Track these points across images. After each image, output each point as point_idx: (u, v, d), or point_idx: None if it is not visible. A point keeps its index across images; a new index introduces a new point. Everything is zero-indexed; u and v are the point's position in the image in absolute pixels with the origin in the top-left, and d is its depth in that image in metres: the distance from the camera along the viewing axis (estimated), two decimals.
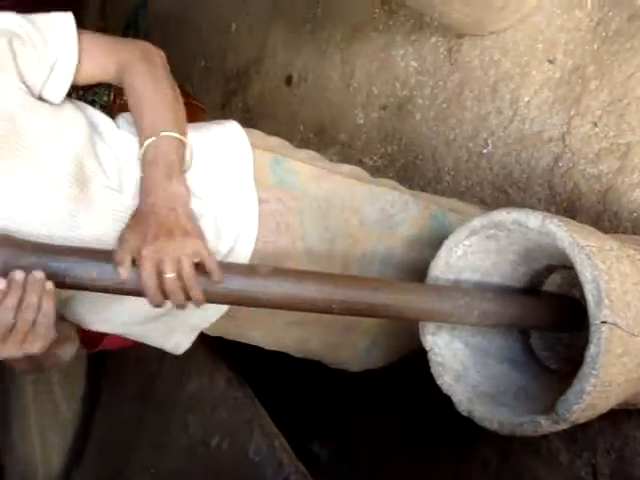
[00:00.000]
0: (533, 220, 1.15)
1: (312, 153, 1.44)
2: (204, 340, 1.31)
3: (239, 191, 1.20)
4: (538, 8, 1.93)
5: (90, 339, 1.39)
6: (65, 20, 1.08)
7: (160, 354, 1.76)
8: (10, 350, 0.88)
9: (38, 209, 0.98)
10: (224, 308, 1.20)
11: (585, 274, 1.06)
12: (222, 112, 3.17)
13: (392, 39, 2.36)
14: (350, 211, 1.34)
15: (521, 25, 1.98)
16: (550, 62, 1.89)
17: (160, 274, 0.93)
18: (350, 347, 1.49)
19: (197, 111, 3.26)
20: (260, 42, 3.04)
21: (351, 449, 2.05)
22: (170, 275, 0.93)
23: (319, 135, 2.56)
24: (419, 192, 1.61)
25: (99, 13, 4.94)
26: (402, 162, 2.25)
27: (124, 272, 0.92)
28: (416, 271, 1.38)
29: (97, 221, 1.04)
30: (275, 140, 1.38)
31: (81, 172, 1.04)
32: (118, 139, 1.13)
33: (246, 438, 1.41)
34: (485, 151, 2.03)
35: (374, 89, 2.39)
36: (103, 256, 0.95)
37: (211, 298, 0.99)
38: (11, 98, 1.01)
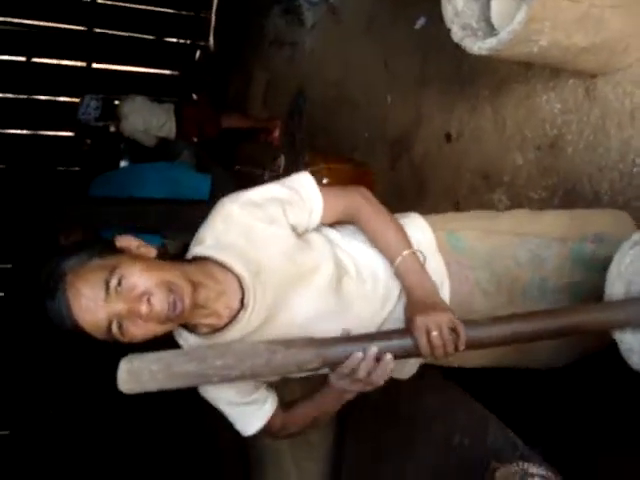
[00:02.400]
0: None
1: (478, 213, 1.91)
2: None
3: (434, 262, 1.67)
4: None
5: None
6: (309, 180, 1.58)
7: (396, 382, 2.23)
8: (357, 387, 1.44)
9: (314, 324, 1.50)
10: None
11: None
12: (392, 173, 3.65)
13: (533, 87, 2.74)
14: (507, 257, 1.78)
15: None
16: None
17: (428, 334, 1.41)
18: (542, 351, 1.87)
19: (371, 176, 3.77)
20: (415, 107, 3.50)
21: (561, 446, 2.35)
22: (434, 333, 1.40)
23: (485, 180, 2.96)
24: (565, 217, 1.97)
25: (262, 102, 5.64)
26: (563, 191, 2.60)
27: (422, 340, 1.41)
28: (567, 292, 1.80)
29: (357, 312, 1.56)
30: (449, 216, 1.87)
31: (338, 280, 1.55)
32: (350, 246, 1.62)
33: (482, 432, 1.83)
34: (635, 170, 2.35)
35: (526, 133, 2.77)
36: (394, 335, 1.45)
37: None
38: (288, 243, 1.51)
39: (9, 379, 6.40)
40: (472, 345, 1.46)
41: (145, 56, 6.78)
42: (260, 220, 1.49)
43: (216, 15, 6.71)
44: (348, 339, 1.40)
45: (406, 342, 1.43)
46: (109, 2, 6.53)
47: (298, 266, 1.50)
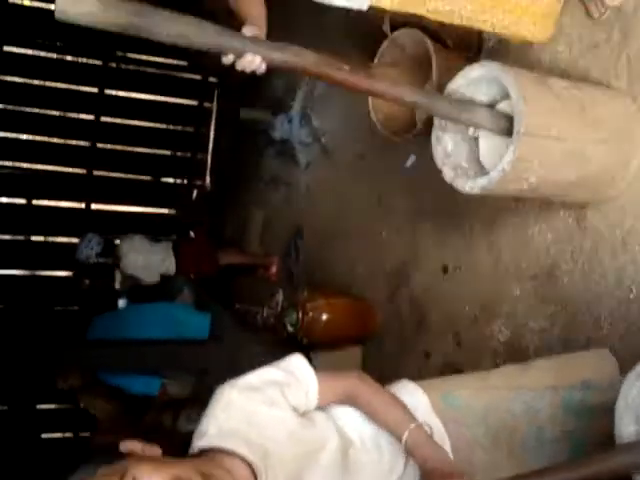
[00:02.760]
0: None
1: (468, 375, 2.01)
2: None
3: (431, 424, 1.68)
4: None
5: None
6: (303, 362, 1.62)
7: None
8: None
9: None
10: None
11: None
12: (391, 306, 3.68)
13: (525, 219, 2.82)
14: (503, 411, 1.84)
15: (631, 188, 2.39)
16: None
17: None
18: None
19: (370, 310, 3.79)
20: (411, 241, 3.58)
21: None
22: None
23: (484, 311, 2.98)
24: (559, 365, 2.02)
25: (259, 239, 5.74)
26: (563, 319, 2.62)
27: None
28: (565, 441, 1.86)
29: None
30: (440, 379, 1.95)
31: (344, 453, 1.56)
32: (351, 418, 1.63)
33: None
34: (631, 296, 2.38)
35: (522, 263, 2.82)
36: None
37: None
38: (292, 423, 1.52)
39: None
40: None
41: (142, 196, 6.96)
42: (261, 404, 1.50)
43: (212, 155, 6.95)
44: None
45: None
46: (108, 146, 6.78)
47: (305, 445, 1.50)
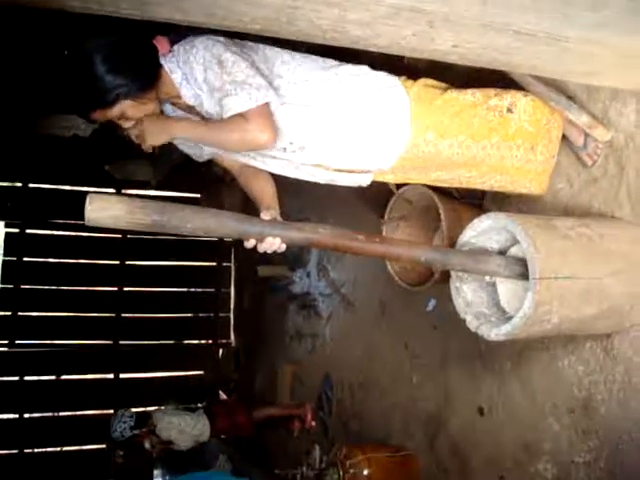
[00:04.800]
0: None
1: None
2: None
3: None
4: None
5: None
6: None
7: None
8: None
9: None
10: None
11: None
12: (431, 453, 3.63)
13: (553, 353, 2.84)
14: None
15: None
16: None
17: None
18: None
19: (411, 459, 3.74)
20: (442, 385, 3.59)
21: None
22: None
23: (526, 450, 2.94)
24: None
25: (289, 393, 5.73)
26: (607, 451, 2.58)
27: None
28: None
29: None
30: None
31: None
32: None
33: None
34: None
35: (556, 398, 2.82)
36: None
37: None
38: None
39: None
40: None
41: (169, 361, 7.03)
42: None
43: (235, 313, 7.07)
44: None
45: None
46: (132, 315, 6.93)
47: None
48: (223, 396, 6.65)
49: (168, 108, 2.36)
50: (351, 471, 3.54)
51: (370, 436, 4.13)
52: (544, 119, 2.60)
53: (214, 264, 7.14)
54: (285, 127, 2.28)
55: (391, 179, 2.47)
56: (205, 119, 2.28)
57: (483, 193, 3.24)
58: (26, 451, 6.44)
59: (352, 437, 4.29)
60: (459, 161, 2.51)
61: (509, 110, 2.54)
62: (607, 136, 2.62)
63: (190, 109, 2.30)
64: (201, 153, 2.45)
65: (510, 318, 2.29)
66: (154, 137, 2.19)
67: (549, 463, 2.85)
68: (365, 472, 3.54)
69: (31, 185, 6.63)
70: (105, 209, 1.71)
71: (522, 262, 2.28)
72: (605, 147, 2.65)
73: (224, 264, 7.12)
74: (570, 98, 2.64)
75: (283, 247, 1.99)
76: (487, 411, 3.21)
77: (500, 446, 3.12)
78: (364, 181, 2.56)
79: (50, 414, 6.81)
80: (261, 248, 1.98)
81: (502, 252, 2.42)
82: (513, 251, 2.39)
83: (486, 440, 3.22)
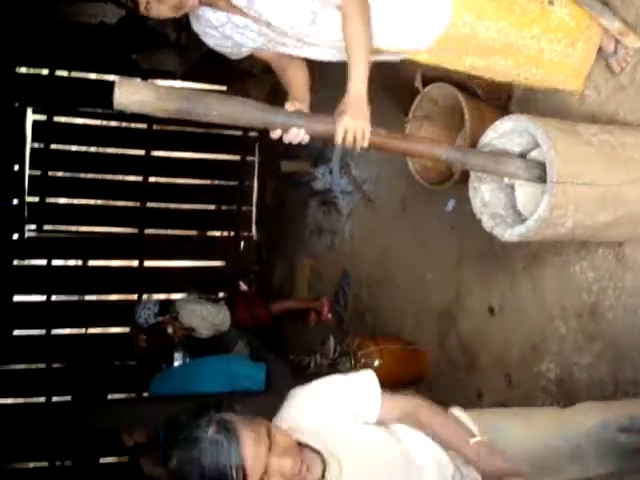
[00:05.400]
0: None
1: (525, 411, 2.09)
2: None
3: None
4: None
5: None
6: (372, 377, 1.78)
7: None
8: None
9: None
10: None
11: None
12: (441, 348, 3.76)
13: (566, 258, 2.90)
14: (548, 447, 1.90)
15: None
16: None
17: None
18: None
19: (421, 353, 3.88)
20: (456, 283, 3.67)
21: None
22: None
23: (532, 350, 3.05)
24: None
25: (307, 288, 5.88)
26: (610, 355, 2.68)
27: None
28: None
29: None
30: (498, 414, 2.07)
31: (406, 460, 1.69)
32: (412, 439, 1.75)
33: None
34: None
35: (565, 302, 2.89)
36: None
37: None
38: (353, 428, 1.69)
39: None
40: None
41: (192, 251, 7.17)
42: (327, 406, 1.70)
43: (257, 208, 7.14)
44: None
45: None
46: (157, 205, 7.03)
47: (366, 448, 1.67)
48: (243, 287, 6.81)
49: (207, 13, 2.18)
50: (362, 361, 3.68)
51: (383, 330, 4.27)
52: (584, 20, 2.54)
53: (238, 158, 7.14)
54: None
55: (425, 59, 2.41)
56: (253, 20, 2.14)
57: (509, 96, 3.21)
58: (53, 332, 6.68)
59: (366, 330, 4.43)
60: (495, 46, 2.43)
61: (550, 2, 2.46)
62: (638, 43, 2.58)
63: (233, 9, 2.14)
64: (239, 51, 2.37)
65: (525, 220, 2.33)
66: (364, 125, 2.02)
67: (553, 364, 2.96)
68: (376, 363, 3.68)
69: (58, 73, 6.60)
70: (133, 94, 1.75)
71: (541, 166, 2.29)
72: (635, 55, 2.60)
73: (248, 158, 7.12)
74: (605, 4, 2.58)
75: (307, 138, 2.01)
76: (497, 311, 3.31)
77: (508, 345, 3.23)
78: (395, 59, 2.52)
79: (76, 298, 7.04)
80: (286, 139, 2.00)
81: (523, 155, 2.43)
82: (533, 154, 2.40)
83: (495, 339, 3.33)
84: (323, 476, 1.59)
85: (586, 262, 2.81)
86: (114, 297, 7.19)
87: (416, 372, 3.82)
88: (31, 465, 6.58)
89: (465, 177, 2.62)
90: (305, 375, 4.41)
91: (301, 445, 1.59)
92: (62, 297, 6.86)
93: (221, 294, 6.26)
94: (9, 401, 6.49)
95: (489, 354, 3.36)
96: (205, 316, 5.20)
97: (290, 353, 4.93)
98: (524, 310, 3.13)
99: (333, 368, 3.89)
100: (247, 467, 1.42)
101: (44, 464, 6.51)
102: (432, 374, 3.81)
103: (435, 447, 1.73)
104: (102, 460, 6.74)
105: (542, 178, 2.27)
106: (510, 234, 2.30)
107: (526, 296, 3.12)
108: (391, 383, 3.83)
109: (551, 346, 2.95)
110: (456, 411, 1.88)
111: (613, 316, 2.69)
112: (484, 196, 2.47)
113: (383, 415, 1.74)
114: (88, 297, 7.09)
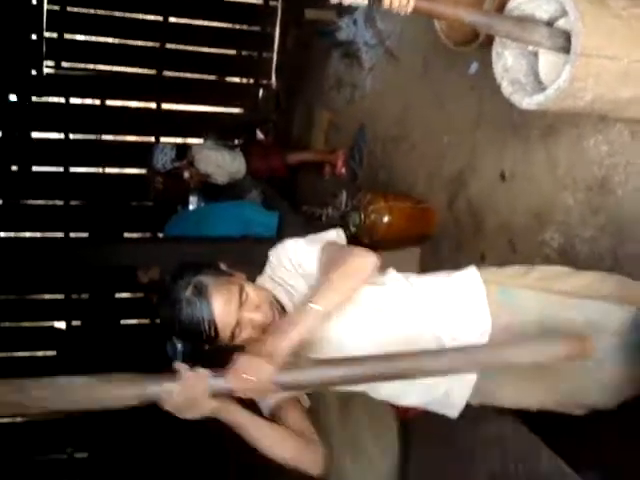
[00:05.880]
0: None
1: (536, 274, 1.98)
2: None
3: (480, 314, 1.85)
4: None
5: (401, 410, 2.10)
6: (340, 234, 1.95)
7: None
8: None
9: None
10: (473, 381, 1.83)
11: None
12: (449, 210, 3.83)
13: (582, 131, 2.89)
14: (561, 320, 1.87)
15: None
16: None
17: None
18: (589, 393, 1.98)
19: (429, 212, 3.95)
20: (471, 147, 3.68)
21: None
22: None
23: (537, 218, 3.11)
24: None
25: (324, 141, 5.89)
26: (613, 230, 2.74)
27: None
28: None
29: None
30: (508, 270, 2.01)
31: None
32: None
33: (535, 460, 1.98)
34: None
35: (576, 174, 2.92)
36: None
37: None
38: None
39: None
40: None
41: (211, 96, 7.13)
42: (307, 259, 1.83)
43: (278, 55, 7.01)
44: None
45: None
46: (177, 46, 6.91)
47: None
48: (260, 137, 6.82)
49: None
50: (372, 216, 3.76)
51: (395, 188, 4.32)
52: None
53: (261, 2, 6.94)
54: None
55: None
56: None
57: None
58: (71, 170, 6.78)
59: (379, 187, 4.48)
60: None
61: None
62: None
63: None
64: None
65: (545, 89, 2.31)
66: None
67: (557, 233, 3.03)
68: (385, 219, 3.77)
69: None
70: None
71: (566, 35, 2.25)
72: None
73: (271, 3, 6.92)
74: None
75: None
76: (508, 177, 3.34)
77: (514, 212, 3.29)
78: None
79: (94, 137, 7.09)
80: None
81: (549, 23, 2.37)
82: (560, 23, 2.35)
83: (502, 205, 3.39)
84: None
85: (601, 136, 2.81)
86: (131, 138, 7.23)
87: (423, 231, 3.91)
88: (47, 297, 6.91)
89: (490, 40, 2.58)
90: (316, 226, 4.53)
91: (276, 298, 1.81)
92: (80, 136, 6.91)
93: (237, 142, 6.28)
94: (27, 234, 6.72)
95: (496, 219, 3.43)
96: (221, 163, 5.27)
97: (303, 204, 5.04)
98: (535, 178, 3.16)
99: (343, 221, 3.98)
100: (218, 322, 1.68)
101: (60, 296, 6.83)
102: (439, 235, 3.90)
103: None
104: (117, 295, 7.08)
105: (566, 49, 2.24)
106: (528, 102, 2.30)
107: (538, 165, 3.14)
108: (398, 240, 3.97)
109: (557, 216, 3.01)
110: (471, 270, 1.93)
111: (621, 192, 2.72)
112: (507, 61, 2.44)
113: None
114: (105, 137, 7.13)
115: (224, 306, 1.68)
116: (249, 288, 1.74)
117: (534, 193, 3.17)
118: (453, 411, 1.93)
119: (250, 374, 1.53)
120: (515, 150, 3.32)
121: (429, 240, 3.97)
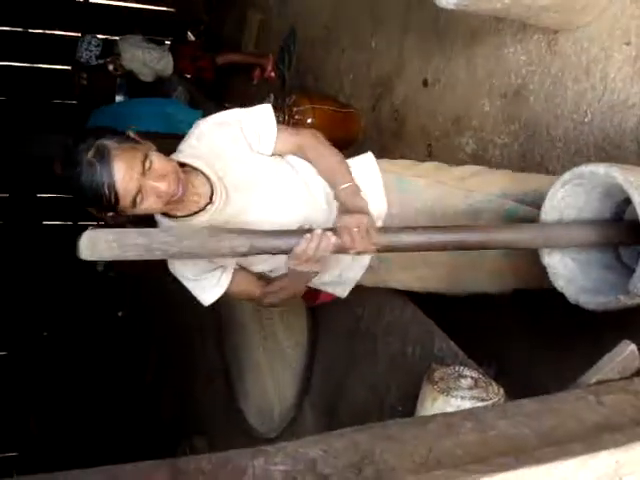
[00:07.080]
0: (601, 169, 1.75)
1: (433, 164, 2.14)
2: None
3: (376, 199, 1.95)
4: (612, 2, 2.48)
5: (310, 296, 2.19)
6: (269, 111, 1.89)
7: (361, 301, 2.52)
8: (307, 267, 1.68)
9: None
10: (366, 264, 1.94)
11: (635, 199, 1.65)
12: (373, 113, 3.88)
13: (503, 40, 2.96)
14: (449, 205, 2.04)
15: (601, 17, 2.53)
16: (627, 44, 2.43)
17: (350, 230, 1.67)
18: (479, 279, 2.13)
19: (354, 116, 4.00)
20: (397, 54, 3.72)
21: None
22: (355, 230, 1.66)
23: (455, 124, 3.20)
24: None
25: (254, 43, 5.81)
26: (523, 137, 2.85)
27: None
28: None
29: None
30: (400, 162, 2.14)
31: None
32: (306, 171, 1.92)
33: (430, 343, 2.12)
34: (586, 120, 2.59)
35: (494, 81, 3.00)
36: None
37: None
38: (246, 155, 1.84)
39: (5, 302, 6.70)
40: (386, 248, 1.72)
41: None
42: (225, 138, 1.84)
43: None
44: (273, 233, 1.66)
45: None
46: None
47: (254, 173, 1.85)
48: (191, 38, 6.67)
49: None
50: (296, 117, 3.78)
51: (323, 92, 4.34)
52: None
53: None
54: None
55: None
56: None
57: None
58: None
59: (306, 90, 4.49)
60: None
61: None
62: None
63: None
64: None
65: None
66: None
67: (472, 139, 3.13)
68: (309, 120, 3.79)
69: None
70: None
71: None
72: None
73: None
74: None
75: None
76: (431, 83, 3.41)
77: (434, 117, 3.37)
78: None
79: (21, 29, 6.79)
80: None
81: None
82: None
83: (423, 110, 3.47)
84: (211, 200, 1.79)
85: (520, 46, 2.88)
86: (58, 32, 6.96)
87: (347, 134, 3.95)
88: None
89: None
90: None
91: (190, 169, 1.78)
92: (6, 28, 6.62)
93: (167, 42, 6.14)
94: None
95: (416, 124, 3.51)
96: (147, 61, 5.16)
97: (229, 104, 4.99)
98: (455, 85, 3.24)
99: None
100: (118, 187, 1.60)
101: None
102: (362, 138, 3.97)
103: (323, 182, 1.90)
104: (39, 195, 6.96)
105: None
106: (447, 1, 2.34)
107: (459, 72, 3.21)
108: None
109: (473, 122, 3.11)
110: (369, 156, 2.03)
111: (534, 100, 2.82)
112: None
113: (278, 148, 1.88)
114: (33, 30, 6.84)
115: (125, 171, 1.60)
116: (154, 157, 1.66)
117: (454, 99, 3.25)
118: (343, 291, 2.05)
119: (359, 227, 1.64)
120: (438, 57, 3.38)
121: (353, 144, 4.02)
